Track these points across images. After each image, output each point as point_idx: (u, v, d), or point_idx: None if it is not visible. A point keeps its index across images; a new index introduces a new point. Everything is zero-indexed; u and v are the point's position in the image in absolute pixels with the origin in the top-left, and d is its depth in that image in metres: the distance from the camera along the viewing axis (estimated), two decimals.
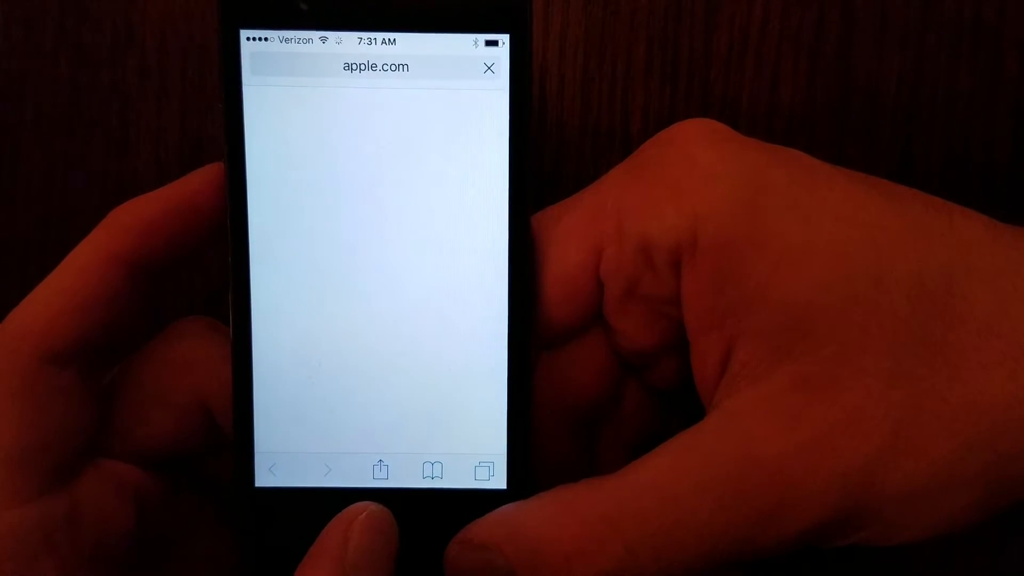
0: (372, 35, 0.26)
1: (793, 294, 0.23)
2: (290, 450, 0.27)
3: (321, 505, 0.26)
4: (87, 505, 0.26)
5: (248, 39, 0.26)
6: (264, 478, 0.27)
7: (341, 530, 0.25)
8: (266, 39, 0.26)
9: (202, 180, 0.27)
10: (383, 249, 0.27)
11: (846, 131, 0.33)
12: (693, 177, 0.25)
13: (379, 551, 0.25)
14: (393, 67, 0.26)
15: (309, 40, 0.26)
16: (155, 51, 0.34)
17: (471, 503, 0.26)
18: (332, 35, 0.26)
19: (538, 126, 0.34)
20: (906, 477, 0.22)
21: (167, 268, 0.27)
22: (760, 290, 0.24)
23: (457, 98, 0.26)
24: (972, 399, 0.22)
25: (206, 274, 0.35)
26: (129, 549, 0.27)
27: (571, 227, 0.27)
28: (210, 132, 0.34)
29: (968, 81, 0.33)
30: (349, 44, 0.26)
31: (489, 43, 0.26)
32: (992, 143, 0.33)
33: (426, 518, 0.27)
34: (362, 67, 0.26)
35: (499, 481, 0.27)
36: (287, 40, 0.26)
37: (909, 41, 0.33)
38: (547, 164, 0.34)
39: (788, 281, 0.23)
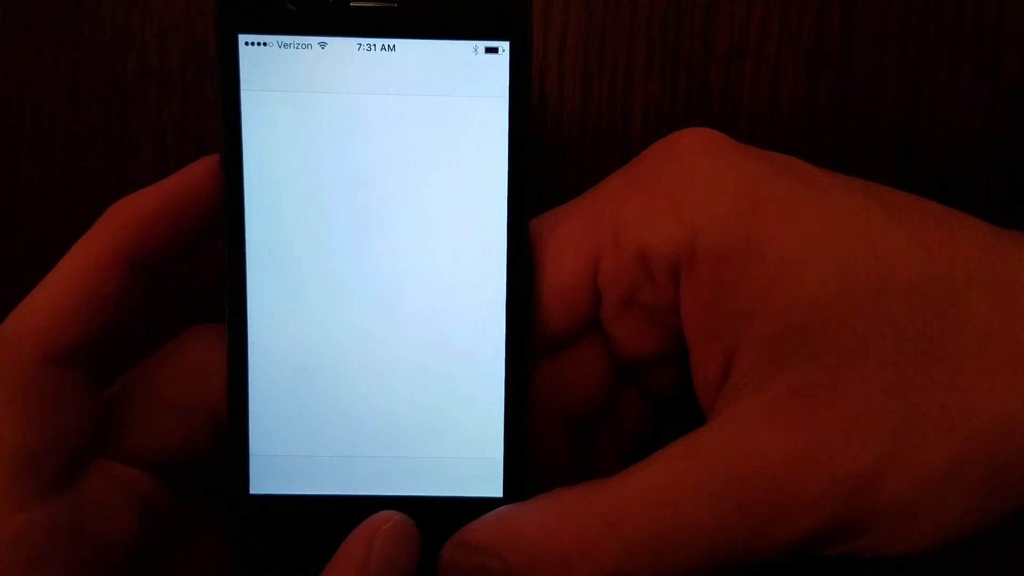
0: (372, 41, 0.26)
1: (793, 303, 0.23)
2: (285, 455, 0.27)
3: (317, 512, 0.26)
4: (91, 508, 0.26)
5: (247, 44, 0.26)
6: (259, 485, 0.27)
7: (365, 539, 0.25)
8: (264, 44, 0.26)
9: (199, 171, 0.26)
10: (380, 254, 0.27)
11: (846, 131, 0.33)
12: (692, 187, 0.25)
13: (402, 562, 0.25)
14: (392, 73, 0.26)
15: (308, 46, 0.26)
16: (155, 51, 0.34)
17: (468, 510, 0.26)
18: (331, 40, 0.26)
19: (538, 126, 0.34)
20: (904, 485, 0.22)
21: (168, 263, 0.27)
22: (760, 299, 0.24)
23: (456, 105, 0.26)
24: (971, 408, 0.22)
25: (206, 274, 0.35)
26: (132, 552, 0.27)
27: (569, 235, 0.27)
28: (210, 132, 0.34)
29: (968, 81, 0.33)
30: (348, 50, 0.26)
31: (489, 50, 0.26)
32: (992, 143, 0.33)
33: (422, 525, 0.26)
34: (361, 73, 0.26)
35: (495, 488, 0.27)
36: (286, 45, 0.26)
37: (909, 41, 0.33)
38: (547, 165, 0.34)
39: (788, 290, 0.23)
